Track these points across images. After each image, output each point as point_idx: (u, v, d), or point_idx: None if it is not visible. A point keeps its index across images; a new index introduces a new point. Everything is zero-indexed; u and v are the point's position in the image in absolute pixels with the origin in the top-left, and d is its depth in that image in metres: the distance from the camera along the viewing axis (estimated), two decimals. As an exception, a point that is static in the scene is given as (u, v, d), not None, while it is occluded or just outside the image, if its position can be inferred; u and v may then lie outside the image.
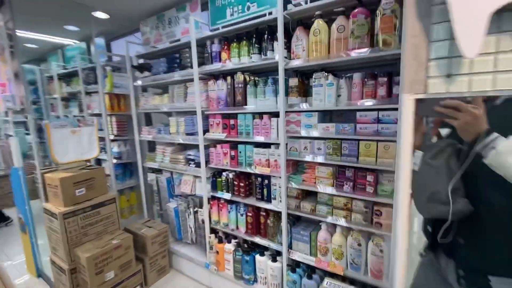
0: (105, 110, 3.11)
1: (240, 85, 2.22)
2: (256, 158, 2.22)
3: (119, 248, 2.40)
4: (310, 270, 2.02)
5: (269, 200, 2.21)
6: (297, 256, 2.06)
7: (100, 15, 3.02)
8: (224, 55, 2.25)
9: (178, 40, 2.59)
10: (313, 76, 1.82)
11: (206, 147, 2.56)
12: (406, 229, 0.72)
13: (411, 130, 0.59)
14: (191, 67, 2.45)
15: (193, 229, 2.82)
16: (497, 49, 0.48)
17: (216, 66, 2.27)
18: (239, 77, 2.21)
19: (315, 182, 1.93)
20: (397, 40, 1.49)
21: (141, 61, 3.19)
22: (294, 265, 2.09)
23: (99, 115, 3.39)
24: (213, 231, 2.67)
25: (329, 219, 1.88)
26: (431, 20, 0.53)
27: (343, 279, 1.95)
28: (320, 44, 1.75)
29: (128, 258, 2.49)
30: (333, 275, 1.98)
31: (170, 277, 2.87)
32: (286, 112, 1.95)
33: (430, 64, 0.54)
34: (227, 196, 2.43)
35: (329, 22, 1.74)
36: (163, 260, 2.85)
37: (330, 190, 1.84)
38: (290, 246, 2.13)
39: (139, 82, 2.99)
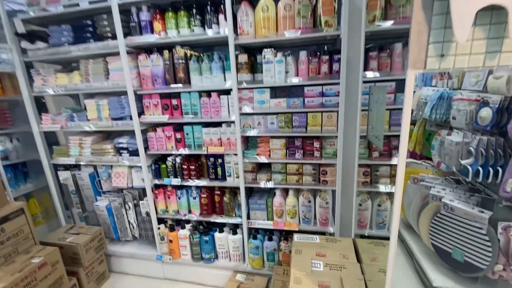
0: (-24, 94, 2.24)
1: (180, 61, 2.04)
2: (206, 139, 2.16)
3: (44, 266, 1.93)
4: (269, 233, 2.24)
5: (223, 178, 2.23)
6: (256, 224, 2.22)
7: None
8: (157, 25, 1.98)
9: (87, 2, 2.07)
10: (263, 53, 1.87)
11: (143, 132, 2.28)
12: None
13: (411, 97, 0.76)
14: (113, 38, 2.05)
15: (134, 225, 2.55)
16: (473, 38, 0.69)
17: (150, 38, 1.99)
18: (179, 51, 2.02)
19: (269, 154, 2.08)
20: (336, 22, 1.71)
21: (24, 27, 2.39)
22: (254, 233, 2.25)
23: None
24: (161, 221, 2.50)
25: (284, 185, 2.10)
26: (432, 12, 0.69)
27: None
28: (268, 20, 1.80)
29: (57, 275, 2.05)
30: (288, 232, 2.27)
31: (112, 282, 2.55)
32: (239, 89, 1.96)
33: (429, 46, 0.71)
34: (175, 181, 2.29)
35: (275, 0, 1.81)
36: (100, 266, 2.49)
37: (284, 159, 2.04)
38: (248, 217, 2.26)
39: (30, 56, 2.27)
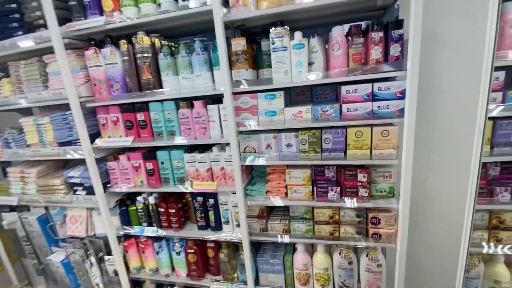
0: None
1: (146, 55, 1.33)
2: (190, 169, 1.44)
3: None
4: (289, 308, 1.50)
5: (218, 227, 1.51)
6: (269, 294, 1.48)
7: None
8: (107, 1, 1.29)
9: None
10: (271, 34, 1.15)
11: (101, 161, 1.59)
12: None
13: None
14: (47, 26, 1.37)
15: (101, 286, 1.85)
16: None
17: (97, 22, 1.29)
18: (142, 40, 1.32)
19: (285, 193, 1.34)
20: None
21: None
22: (266, 307, 1.51)
23: None
24: (137, 283, 1.80)
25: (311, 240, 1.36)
26: None
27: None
28: (279, -22, 1.08)
29: None
30: (318, 305, 1.52)
31: None
32: (234, 94, 1.23)
33: None
34: (150, 231, 1.58)
35: None
36: None
37: (309, 200, 1.30)
38: (256, 282, 1.52)
39: None
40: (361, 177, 1.23)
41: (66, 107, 1.67)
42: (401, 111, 1.10)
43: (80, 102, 1.44)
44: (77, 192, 1.67)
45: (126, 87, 1.42)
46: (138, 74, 1.38)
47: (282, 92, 1.20)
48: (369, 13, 1.29)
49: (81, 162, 1.70)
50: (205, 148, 1.47)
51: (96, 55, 1.40)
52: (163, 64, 1.33)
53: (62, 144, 1.60)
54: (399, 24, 1.06)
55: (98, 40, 1.46)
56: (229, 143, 1.30)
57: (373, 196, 1.25)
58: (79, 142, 1.52)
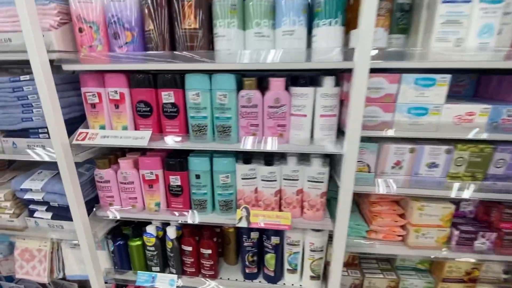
0: None
1: (190, -16, 0.71)
2: (245, 189, 0.88)
3: None
4: None
5: (277, 277, 0.99)
6: None
7: None
8: None
9: None
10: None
11: (80, 165, 0.94)
12: None
13: None
14: None
15: None
16: None
17: None
18: (188, -46, 0.70)
19: (401, 235, 0.87)
20: None
21: None
22: None
23: None
24: None
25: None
26: None
27: None
28: None
29: None
30: None
31: None
32: (374, 71, 0.69)
33: None
34: (166, 280, 1.00)
35: None
36: None
37: (443, 249, 0.84)
38: None
39: None
40: (529, 219, 0.81)
41: (24, 67, 1.00)
42: None
43: (51, 61, 0.77)
44: (35, 214, 1.00)
45: (143, 40, 0.79)
46: (172, 20, 0.75)
47: (448, 77, 0.70)
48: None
49: (41, 164, 1.04)
50: (269, 158, 0.91)
51: (87, -28, 0.74)
52: (223, 6, 0.73)
53: (9, 133, 0.91)
54: None
55: None
56: (311, 154, 0.78)
57: (534, 245, 0.84)
58: (45, 133, 0.87)
